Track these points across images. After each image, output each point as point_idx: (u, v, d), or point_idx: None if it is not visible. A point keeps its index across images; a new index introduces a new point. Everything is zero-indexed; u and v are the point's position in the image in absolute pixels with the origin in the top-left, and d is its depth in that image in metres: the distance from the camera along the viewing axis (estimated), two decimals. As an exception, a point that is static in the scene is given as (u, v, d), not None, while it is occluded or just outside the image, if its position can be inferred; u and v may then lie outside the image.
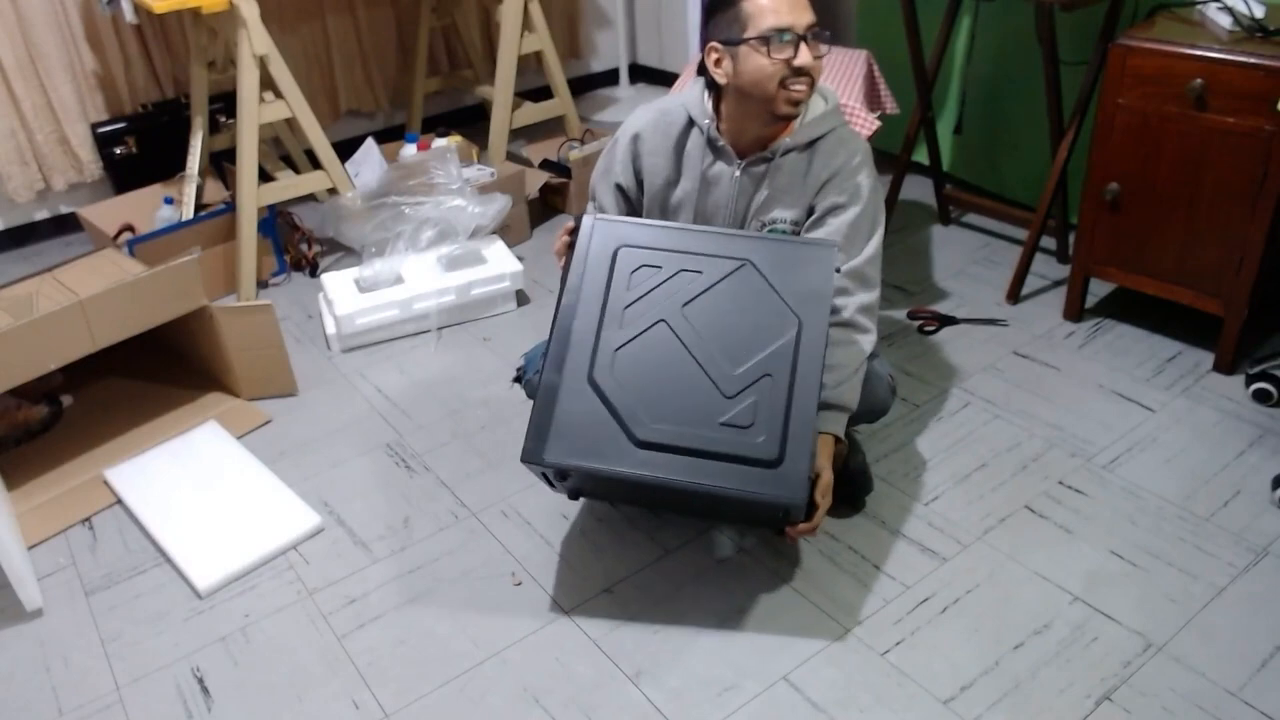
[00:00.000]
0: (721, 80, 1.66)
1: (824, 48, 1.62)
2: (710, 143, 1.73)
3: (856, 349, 1.71)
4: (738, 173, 1.72)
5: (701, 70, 1.73)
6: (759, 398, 1.51)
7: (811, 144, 1.71)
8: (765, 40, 1.57)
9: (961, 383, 2.28)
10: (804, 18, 1.59)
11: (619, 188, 1.85)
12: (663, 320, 1.57)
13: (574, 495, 1.80)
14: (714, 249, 1.61)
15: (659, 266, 1.61)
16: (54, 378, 2.30)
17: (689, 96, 1.76)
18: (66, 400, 2.35)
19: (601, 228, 1.65)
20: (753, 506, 1.53)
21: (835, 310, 1.69)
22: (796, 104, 1.64)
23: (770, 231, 1.75)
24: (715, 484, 1.47)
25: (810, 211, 1.73)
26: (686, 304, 1.58)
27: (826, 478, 1.62)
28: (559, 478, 1.58)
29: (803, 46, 1.59)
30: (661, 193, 1.81)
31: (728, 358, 1.54)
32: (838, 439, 1.69)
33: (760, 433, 1.49)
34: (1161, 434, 2.08)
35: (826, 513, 1.62)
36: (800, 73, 1.60)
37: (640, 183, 1.83)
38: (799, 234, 1.76)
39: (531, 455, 1.51)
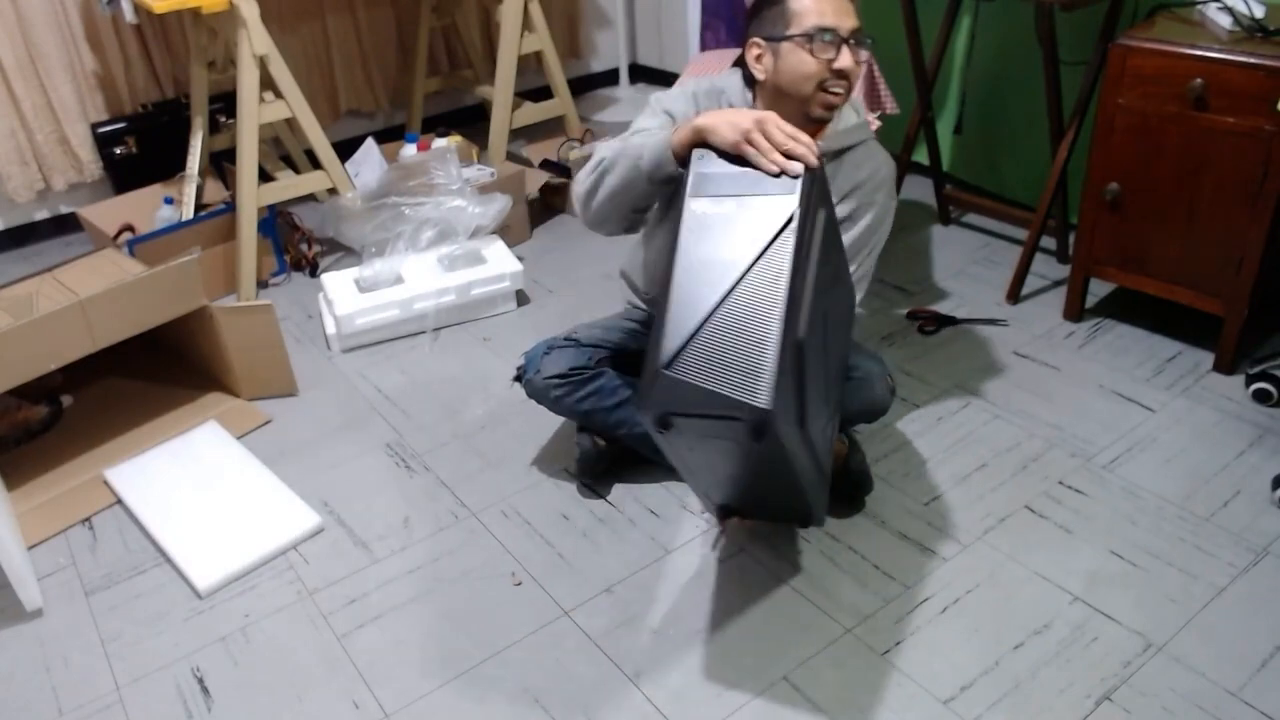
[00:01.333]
0: (760, 76, 1.65)
1: (864, 54, 1.62)
2: None
3: None
4: None
5: (738, 64, 1.73)
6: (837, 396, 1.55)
7: (840, 154, 1.71)
8: (809, 38, 1.57)
9: (961, 383, 2.28)
10: (848, 21, 1.58)
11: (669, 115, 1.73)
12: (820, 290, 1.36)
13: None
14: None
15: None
16: (54, 378, 2.30)
17: (730, 83, 1.74)
18: (66, 400, 2.35)
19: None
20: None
21: None
22: (831, 108, 1.62)
23: None
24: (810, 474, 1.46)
25: None
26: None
27: None
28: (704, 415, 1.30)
29: (845, 49, 1.58)
30: None
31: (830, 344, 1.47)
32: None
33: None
34: (1161, 434, 2.08)
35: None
36: (840, 76, 1.59)
37: None
38: None
39: (770, 400, 1.23)
